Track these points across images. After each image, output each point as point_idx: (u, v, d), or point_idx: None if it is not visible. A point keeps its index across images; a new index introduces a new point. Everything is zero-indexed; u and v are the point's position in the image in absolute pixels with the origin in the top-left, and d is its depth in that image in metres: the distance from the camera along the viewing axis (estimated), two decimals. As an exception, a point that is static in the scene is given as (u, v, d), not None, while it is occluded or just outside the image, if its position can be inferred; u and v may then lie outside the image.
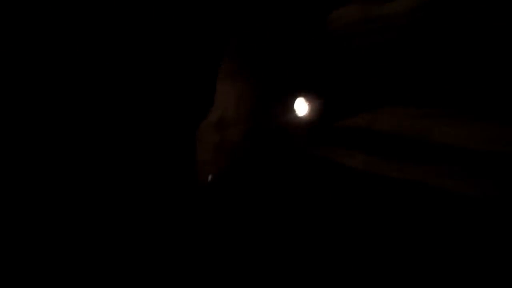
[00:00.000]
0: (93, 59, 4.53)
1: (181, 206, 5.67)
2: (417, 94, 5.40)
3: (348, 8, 5.94)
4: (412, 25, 5.09)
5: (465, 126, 4.57)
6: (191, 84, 6.09)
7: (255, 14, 6.92)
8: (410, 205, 4.82)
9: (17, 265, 3.67)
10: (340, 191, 5.74)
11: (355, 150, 5.91)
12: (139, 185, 5.01)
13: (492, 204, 4.01)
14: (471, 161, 4.38)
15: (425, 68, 5.24)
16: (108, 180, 4.72)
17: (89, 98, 4.54)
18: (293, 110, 7.23)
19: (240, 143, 7.78)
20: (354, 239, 5.03)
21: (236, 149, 7.74)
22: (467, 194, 4.21)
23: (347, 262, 4.71)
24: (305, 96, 7.05)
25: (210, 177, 7.06)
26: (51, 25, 4.00)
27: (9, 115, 3.81)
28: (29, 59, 3.95)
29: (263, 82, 7.73)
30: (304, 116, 7.08)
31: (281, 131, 7.60)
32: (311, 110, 6.85)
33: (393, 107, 5.70)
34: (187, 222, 5.52)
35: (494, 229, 3.99)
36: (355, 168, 5.67)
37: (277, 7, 6.89)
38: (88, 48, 4.43)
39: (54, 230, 4.01)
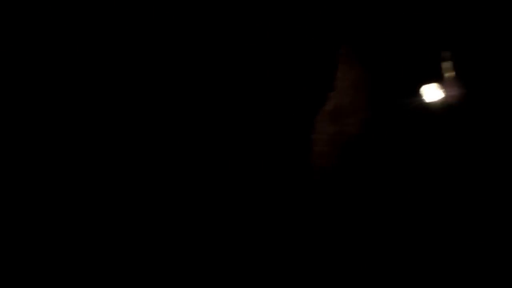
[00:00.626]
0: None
1: (292, 202, 5.45)
2: None
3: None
4: None
5: None
6: (308, 68, 5.98)
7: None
8: None
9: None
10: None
11: None
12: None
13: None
14: None
15: None
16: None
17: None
18: (420, 97, 6.32)
19: (356, 134, 6.93)
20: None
21: (352, 141, 6.91)
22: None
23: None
24: (437, 81, 6.04)
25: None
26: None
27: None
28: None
29: (382, 66, 6.96)
30: (437, 102, 6.14)
31: (406, 120, 6.68)
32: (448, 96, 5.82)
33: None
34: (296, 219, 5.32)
35: None
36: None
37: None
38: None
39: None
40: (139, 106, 4.34)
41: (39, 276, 3.68)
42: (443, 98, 5.95)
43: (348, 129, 6.95)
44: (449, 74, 5.71)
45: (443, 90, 5.96)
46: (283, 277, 4.52)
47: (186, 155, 4.58)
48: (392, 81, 6.84)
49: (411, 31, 6.59)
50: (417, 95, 6.31)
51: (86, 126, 4.10)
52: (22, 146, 3.87)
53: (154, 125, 4.38)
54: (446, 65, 5.79)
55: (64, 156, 4.00)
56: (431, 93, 6.12)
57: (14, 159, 3.83)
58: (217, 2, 4.67)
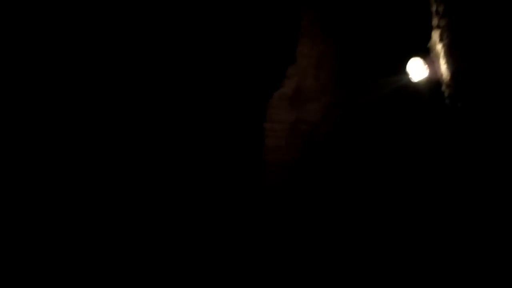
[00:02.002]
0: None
1: (243, 206, 5.05)
2: None
3: None
4: None
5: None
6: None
7: None
8: None
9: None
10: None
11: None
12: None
13: None
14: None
15: None
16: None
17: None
18: (402, 77, 5.20)
19: (322, 123, 5.98)
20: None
21: (316, 132, 5.94)
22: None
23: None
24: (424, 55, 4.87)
25: None
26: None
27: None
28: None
29: (355, 39, 5.86)
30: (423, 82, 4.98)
31: (384, 107, 5.64)
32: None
33: None
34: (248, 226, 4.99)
35: None
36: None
37: None
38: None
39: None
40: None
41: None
42: (430, 77, 4.75)
43: (311, 117, 5.92)
44: (438, 47, 4.42)
45: (431, 67, 4.76)
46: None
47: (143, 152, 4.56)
48: (367, 57, 5.79)
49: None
50: (398, 73, 5.18)
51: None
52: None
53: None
54: (435, 35, 4.51)
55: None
56: (416, 71, 4.90)
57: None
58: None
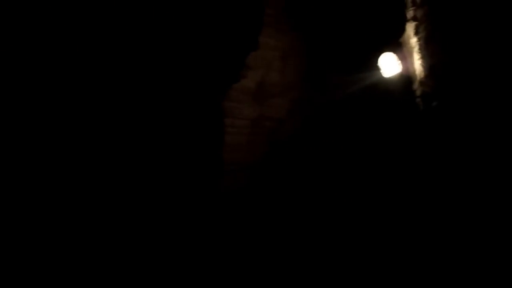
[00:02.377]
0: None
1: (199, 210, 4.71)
2: None
3: None
4: None
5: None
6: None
7: None
8: None
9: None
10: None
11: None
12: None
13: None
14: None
15: None
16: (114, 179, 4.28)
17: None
18: (374, 71, 4.82)
19: (287, 121, 5.57)
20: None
21: (281, 130, 5.53)
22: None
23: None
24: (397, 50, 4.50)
25: None
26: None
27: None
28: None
29: (323, 30, 5.47)
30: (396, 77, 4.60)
31: (353, 103, 5.24)
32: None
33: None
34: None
35: None
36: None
37: None
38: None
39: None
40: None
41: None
42: (404, 72, 4.43)
43: (276, 113, 5.53)
44: (413, 40, 4.11)
45: (403, 62, 4.45)
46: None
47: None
48: (337, 51, 5.42)
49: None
50: (369, 69, 4.81)
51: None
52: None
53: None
54: (410, 27, 4.19)
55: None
56: (388, 66, 4.58)
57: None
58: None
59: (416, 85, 4.07)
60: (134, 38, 4.17)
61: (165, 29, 4.21)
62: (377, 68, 4.73)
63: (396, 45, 4.51)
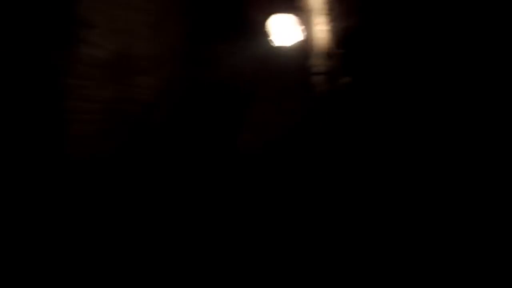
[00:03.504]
0: None
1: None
2: None
3: None
4: None
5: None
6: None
7: None
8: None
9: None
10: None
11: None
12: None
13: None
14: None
15: None
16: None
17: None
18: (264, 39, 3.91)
19: (154, 103, 4.42)
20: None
21: (145, 114, 4.35)
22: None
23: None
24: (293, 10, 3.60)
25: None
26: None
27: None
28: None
29: None
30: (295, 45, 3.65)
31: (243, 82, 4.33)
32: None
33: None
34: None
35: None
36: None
37: None
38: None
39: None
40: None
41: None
42: (301, 41, 3.56)
43: (142, 95, 4.29)
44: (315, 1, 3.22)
45: (302, 29, 3.56)
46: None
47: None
48: (221, 17, 4.38)
49: None
50: (260, 37, 3.92)
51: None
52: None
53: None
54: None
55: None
56: (282, 33, 3.71)
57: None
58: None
59: (317, 58, 3.21)
60: None
61: None
62: (269, 36, 3.81)
63: (293, 8, 3.62)
